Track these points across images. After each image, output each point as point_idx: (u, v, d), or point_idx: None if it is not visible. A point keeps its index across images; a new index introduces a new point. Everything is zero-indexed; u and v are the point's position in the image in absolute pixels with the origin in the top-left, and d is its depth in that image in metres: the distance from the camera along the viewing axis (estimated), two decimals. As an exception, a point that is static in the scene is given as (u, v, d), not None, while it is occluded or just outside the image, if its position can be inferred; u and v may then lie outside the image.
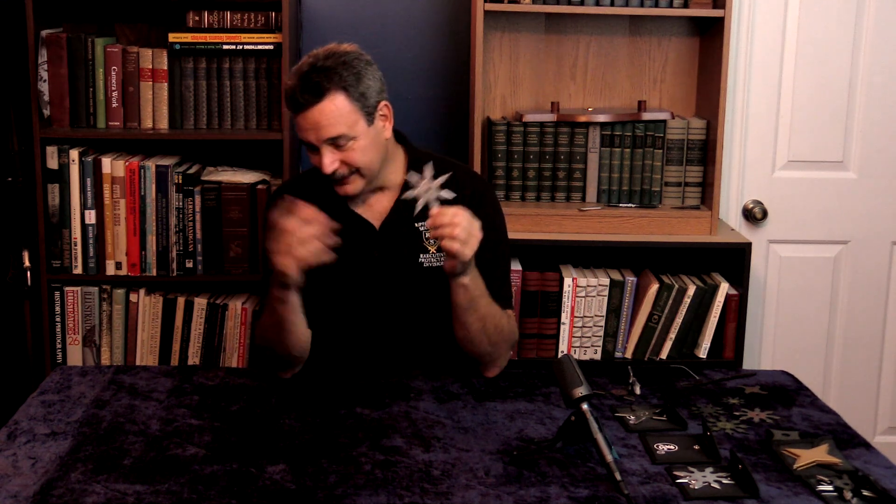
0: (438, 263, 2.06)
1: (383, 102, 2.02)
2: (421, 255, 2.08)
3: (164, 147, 2.84)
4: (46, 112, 2.73)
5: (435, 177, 1.81)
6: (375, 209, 2.10)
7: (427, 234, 2.05)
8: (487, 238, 1.92)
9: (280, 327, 1.95)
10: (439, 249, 2.04)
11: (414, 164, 2.08)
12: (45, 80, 2.71)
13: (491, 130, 2.79)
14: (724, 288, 2.70)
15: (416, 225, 2.07)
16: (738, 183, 3.06)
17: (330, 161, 1.95)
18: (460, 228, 1.79)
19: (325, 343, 2.10)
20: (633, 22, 2.90)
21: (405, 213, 2.04)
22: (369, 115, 1.98)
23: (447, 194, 1.81)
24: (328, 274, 2.07)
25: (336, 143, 1.95)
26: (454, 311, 1.95)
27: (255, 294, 2.81)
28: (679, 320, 2.71)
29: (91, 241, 2.74)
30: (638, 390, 1.97)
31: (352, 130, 1.95)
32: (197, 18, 2.75)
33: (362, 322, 2.10)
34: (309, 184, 2.14)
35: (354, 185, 2.01)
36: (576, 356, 2.57)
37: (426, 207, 1.81)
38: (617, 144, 2.79)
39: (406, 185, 2.03)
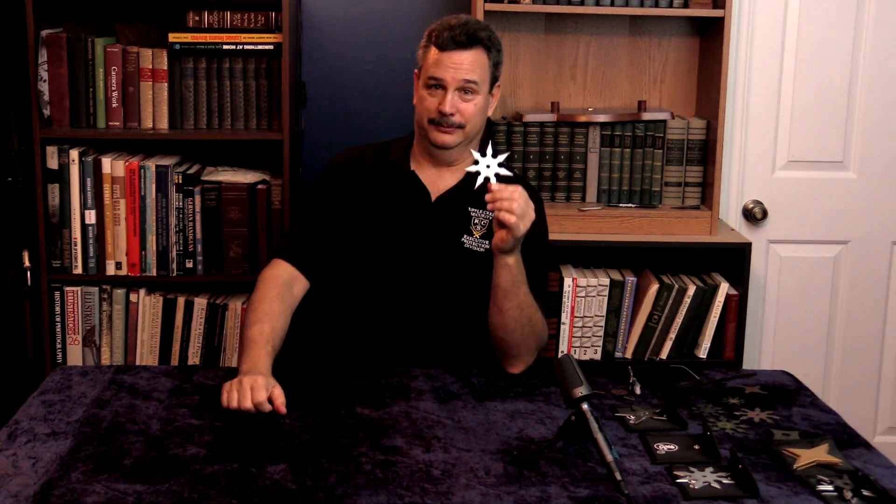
0: (479, 249, 2.16)
1: (499, 82, 2.21)
2: (465, 236, 2.17)
3: (164, 147, 2.84)
4: (46, 112, 2.73)
5: (494, 155, 1.92)
6: (437, 183, 2.20)
7: (475, 220, 2.18)
8: (533, 239, 2.03)
9: None
10: (483, 236, 2.17)
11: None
12: (45, 80, 2.71)
13: (491, 130, 2.78)
14: (724, 288, 2.70)
15: (469, 209, 2.18)
16: (738, 183, 3.06)
17: (451, 102, 2.09)
18: (518, 203, 1.89)
19: (352, 302, 2.18)
20: (633, 22, 2.90)
21: (464, 194, 2.17)
22: (492, 84, 2.17)
23: (505, 172, 1.92)
24: (374, 228, 2.18)
25: (465, 89, 2.11)
26: (494, 294, 2.03)
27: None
28: (679, 320, 2.70)
29: (91, 241, 2.74)
30: (638, 390, 1.97)
31: (481, 84, 2.13)
32: (197, 18, 2.75)
33: (394, 285, 2.17)
34: (372, 154, 2.26)
35: (454, 137, 2.14)
36: (576, 356, 2.57)
37: (486, 182, 1.92)
38: (617, 144, 2.80)
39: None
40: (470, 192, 2.10)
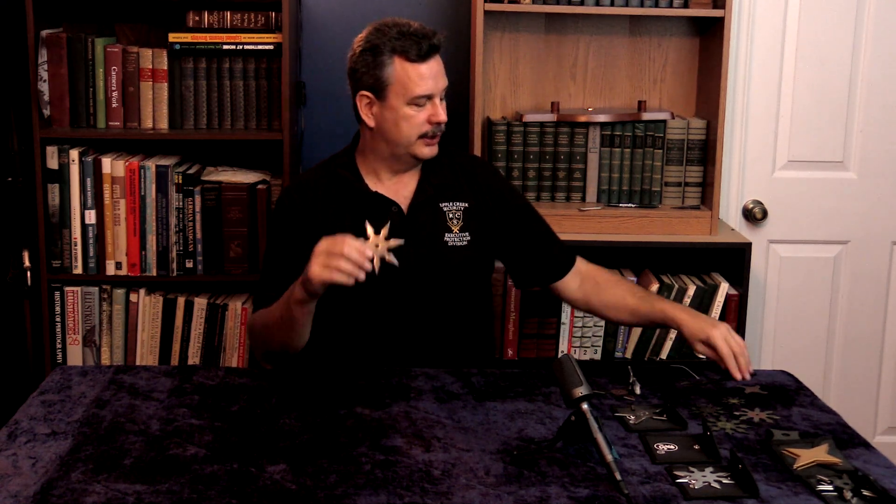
0: (461, 243, 2.12)
1: None
2: (445, 235, 2.12)
3: (164, 147, 2.84)
4: (46, 112, 2.73)
5: (377, 231, 1.88)
6: (402, 192, 2.13)
7: (450, 214, 2.13)
8: (521, 207, 2.06)
9: (289, 326, 1.96)
10: (462, 229, 2.12)
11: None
12: (45, 80, 2.71)
13: (491, 130, 2.79)
14: (724, 288, 2.70)
15: (440, 205, 2.13)
16: (738, 183, 3.06)
17: (444, 109, 2.05)
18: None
19: (346, 326, 2.14)
20: (633, 22, 2.90)
21: (431, 193, 2.12)
22: None
23: (395, 241, 1.87)
24: None
25: (442, 96, 2.06)
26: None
27: (253, 294, 2.81)
28: (679, 320, 2.70)
29: (91, 241, 2.74)
30: (638, 390, 1.97)
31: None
32: (197, 18, 2.75)
33: (387, 303, 2.12)
34: (319, 180, 2.17)
35: (437, 147, 2.10)
36: (576, 356, 2.57)
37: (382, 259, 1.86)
38: (617, 144, 2.80)
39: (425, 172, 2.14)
40: (436, 188, 2.09)
